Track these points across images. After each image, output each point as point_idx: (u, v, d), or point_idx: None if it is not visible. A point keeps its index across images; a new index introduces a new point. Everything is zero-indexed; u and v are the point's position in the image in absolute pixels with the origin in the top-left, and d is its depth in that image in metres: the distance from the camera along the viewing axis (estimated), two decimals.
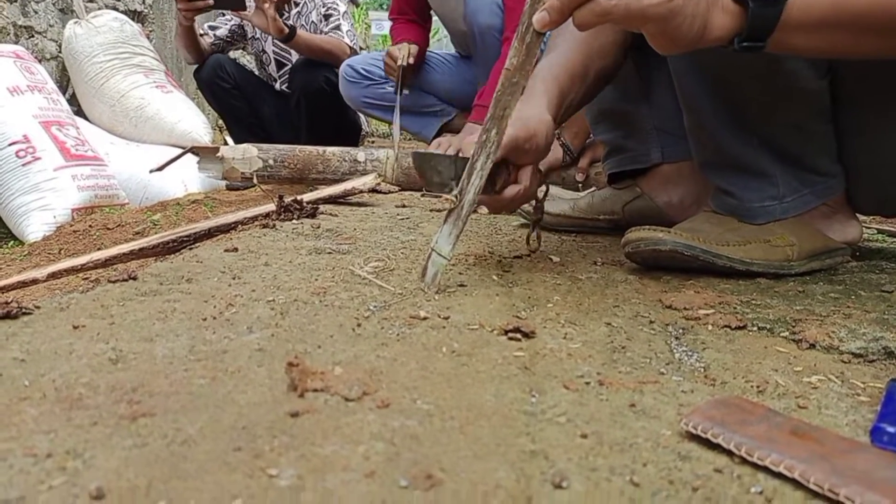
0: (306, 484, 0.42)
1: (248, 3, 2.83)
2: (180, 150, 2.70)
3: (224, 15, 3.14)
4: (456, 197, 0.85)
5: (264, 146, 2.17)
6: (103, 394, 0.54)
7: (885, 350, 0.70)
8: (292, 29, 2.80)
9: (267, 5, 2.71)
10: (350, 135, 3.11)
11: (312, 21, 3.03)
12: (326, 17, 3.03)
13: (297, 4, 3.05)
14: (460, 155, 0.93)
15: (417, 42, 2.61)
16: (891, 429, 0.50)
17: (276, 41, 2.98)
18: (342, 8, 3.08)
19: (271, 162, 2.12)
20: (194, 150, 2.18)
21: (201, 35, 3.02)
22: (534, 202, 1.10)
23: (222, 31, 3.16)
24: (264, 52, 3.16)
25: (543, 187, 1.08)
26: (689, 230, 0.99)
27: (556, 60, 1.04)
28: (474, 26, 2.46)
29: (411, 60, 2.50)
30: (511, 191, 0.95)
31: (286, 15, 3.04)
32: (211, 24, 3.14)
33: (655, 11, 0.72)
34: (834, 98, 0.99)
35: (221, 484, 0.42)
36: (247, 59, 3.35)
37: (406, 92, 2.59)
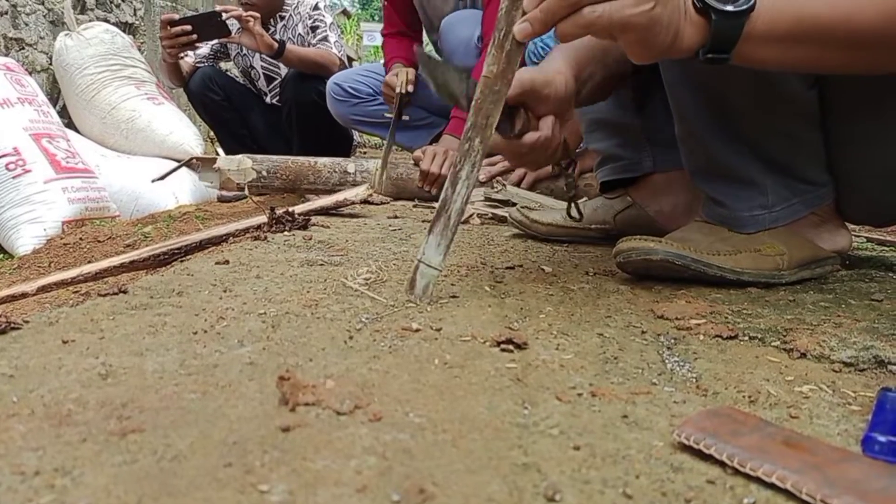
0: (297, 499, 0.42)
1: (232, 26, 2.84)
2: (174, 162, 2.71)
3: None
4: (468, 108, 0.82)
5: (258, 157, 2.20)
6: (93, 410, 0.53)
7: (875, 359, 0.70)
8: (281, 44, 2.80)
9: (251, 23, 2.72)
10: (342, 146, 3.12)
11: (299, 34, 3.03)
12: (313, 29, 3.03)
13: (282, 18, 3.05)
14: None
15: (411, 60, 2.60)
16: (882, 438, 0.50)
17: (264, 56, 2.98)
18: (329, 20, 3.09)
19: (264, 173, 2.16)
20: (194, 161, 2.23)
21: (182, 57, 3.02)
22: (564, 180, 1.08)
23: (204, 51, 3.15)
24: (252, 67, 3.16)
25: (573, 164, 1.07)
26: (679, 239, 0.99)
27: (573, 41, 1.03)
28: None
29: (410, 88, 2.47)
30: (531, 137, 0.90)
31: (272, 29, 3.04)
32: None
33: (637, 21, 0.73)
34: (823, 107, 1.00)
35: (212, 500, 0.41)
36: (237, 72, 3.34)
37: (406, 118, 2.57)
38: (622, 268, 1.01)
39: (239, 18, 2.73)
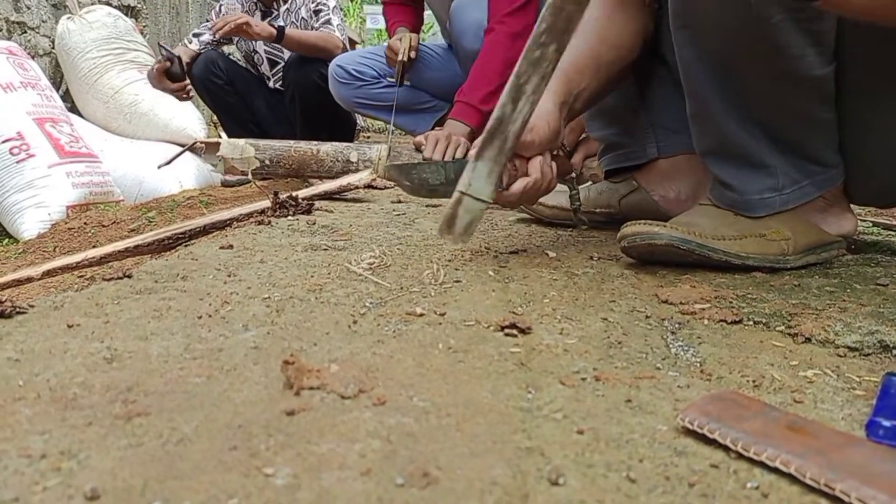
0: (302, 483, 0.42)
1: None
2: (177, 146, 2.71)
3: (208, 21, 3.11)
4: (460, 193, 0.78)
5: (261, 144, 2.19)
6: (98, 393, 0.53)
7: (880, 344, 0.70)
8: (280, 29, 2.79)
9: (246, 28, 2.74)
10: (345, 130, 3.11)
11: (302, 17, 3.02)
12: (316, 12, 3.02)
13: (285, 1, 3.03)
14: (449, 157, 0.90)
15: (412, 25, 2.61)
16: (886, 423, 0.50)
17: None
18: (331, 3, 3.07)
19: (267, 162, 2.15)
20: (198, 144, 2.23)
21: (186, 45, 3.02)
22: (569, 189, 1.11)
23: (207, 37, 3.13)
24: (255, 51, 3.14)
25: (574, 172, 1.08)
26: (684, 224, 0.98)
27: (564, 56, 1.04)
28: (459, 49, 2.46)
29: (412, 55, 2.49)
30: (519, 185, 0.93)
31: (275, 13, 3.03)
32: (195, 31, 3.11)
33: None
34: (839, 86, 0.98)
35: (217, 483, 0.41)
36: (239, 56, 3.33)
37: (408, 83, 2.58)
38: (626, 252, 1.00)
39: (236, 31, 2.75)
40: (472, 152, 0.70)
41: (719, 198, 1.05)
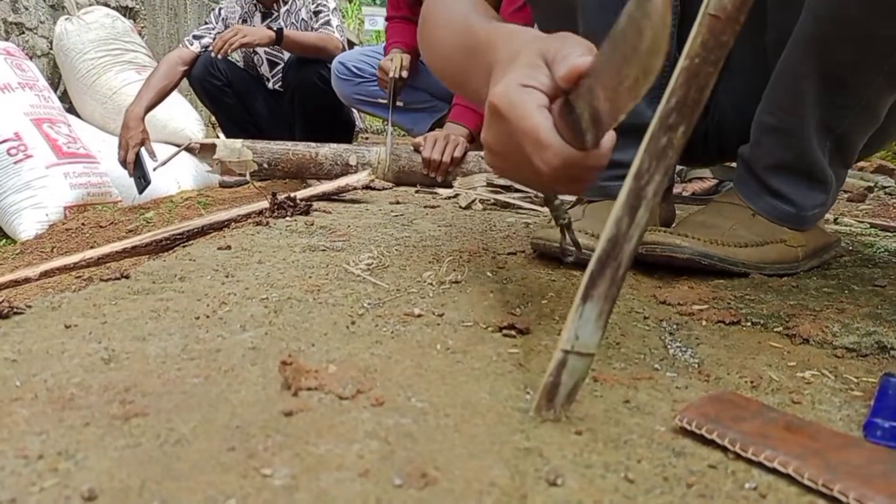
0: (300, 483, 0.42)
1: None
2: (175, 147, 2.71)
3: (207, 23, 3.11)
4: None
5: (259, 146, 2.17)
6: (96, 394, 0.53)
7: (878, 344, 0.70)
8: (279, 32, 2.79)
9: (238, 42, 2.72)
10: (344, 131, 3.11)
11: (302, 18, 3.02)
12: (316, 13, 3.02)
13: (285, 2, 3.03)
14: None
15: (410, 46, 2.59)
16: (884, 424, 0.50)
17: None
18: (331, 4, 3.07)
19: (265, 165, 2.14)
20: (193, 145, 2.21)
21: (187, 46, 3.00)
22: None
23: (207, 40, 3.12)
24: (255, 52, 3.14)
25: None
26: (702, 227, 0.96)
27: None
28: None
29: (404, 74, 2.47)
30: (610, 141, 0.59)
31: (275, 14, 3.03)
32: (195, 33, 3.10)
33: None
34: None
35: (215, 484, 0.41)
36: (237, 56, 3.32)
37: (400, 104, 2.57)
38: (643, 259, 0.97)
39: (237, 48, 2.75)
40: (578, 294, 0.52)
41: (769, 210, 1.00)
